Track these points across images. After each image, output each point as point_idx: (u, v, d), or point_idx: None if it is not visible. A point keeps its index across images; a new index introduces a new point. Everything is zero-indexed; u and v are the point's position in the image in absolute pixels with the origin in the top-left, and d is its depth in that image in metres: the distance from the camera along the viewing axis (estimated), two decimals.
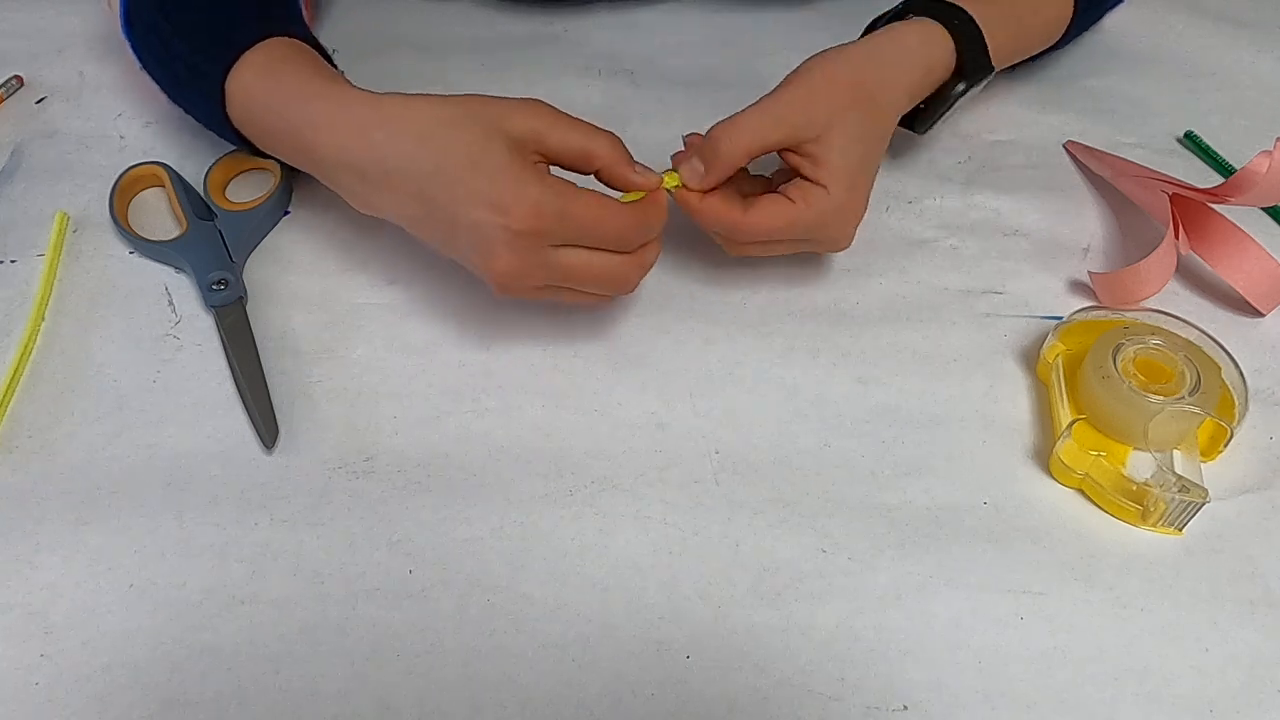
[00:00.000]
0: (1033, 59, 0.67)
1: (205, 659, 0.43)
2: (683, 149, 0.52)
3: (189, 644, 0.43)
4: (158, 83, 0.60)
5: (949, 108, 0.59)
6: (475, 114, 0.47)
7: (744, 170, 0.52)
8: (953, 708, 0.42)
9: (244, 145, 0.57)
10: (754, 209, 0.50)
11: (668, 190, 0.50)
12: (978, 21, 0.57)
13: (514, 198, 0.45)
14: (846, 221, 0.52)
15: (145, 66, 0.60)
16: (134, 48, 0.59)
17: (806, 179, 0.50)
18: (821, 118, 0.50)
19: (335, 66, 0.56)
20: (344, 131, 0.49)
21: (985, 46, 0.57)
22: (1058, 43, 0.66)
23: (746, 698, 0.42)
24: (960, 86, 0.57)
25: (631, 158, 0.49)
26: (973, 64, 0.57)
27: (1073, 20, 0.64)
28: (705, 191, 0.50)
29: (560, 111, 0.48)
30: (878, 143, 0.53)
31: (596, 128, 0.48)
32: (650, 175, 0.49)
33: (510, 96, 0.48)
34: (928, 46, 0.55)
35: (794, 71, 0.52)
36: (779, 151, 0.51)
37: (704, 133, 0.51)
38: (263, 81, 0.53)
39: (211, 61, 0.54)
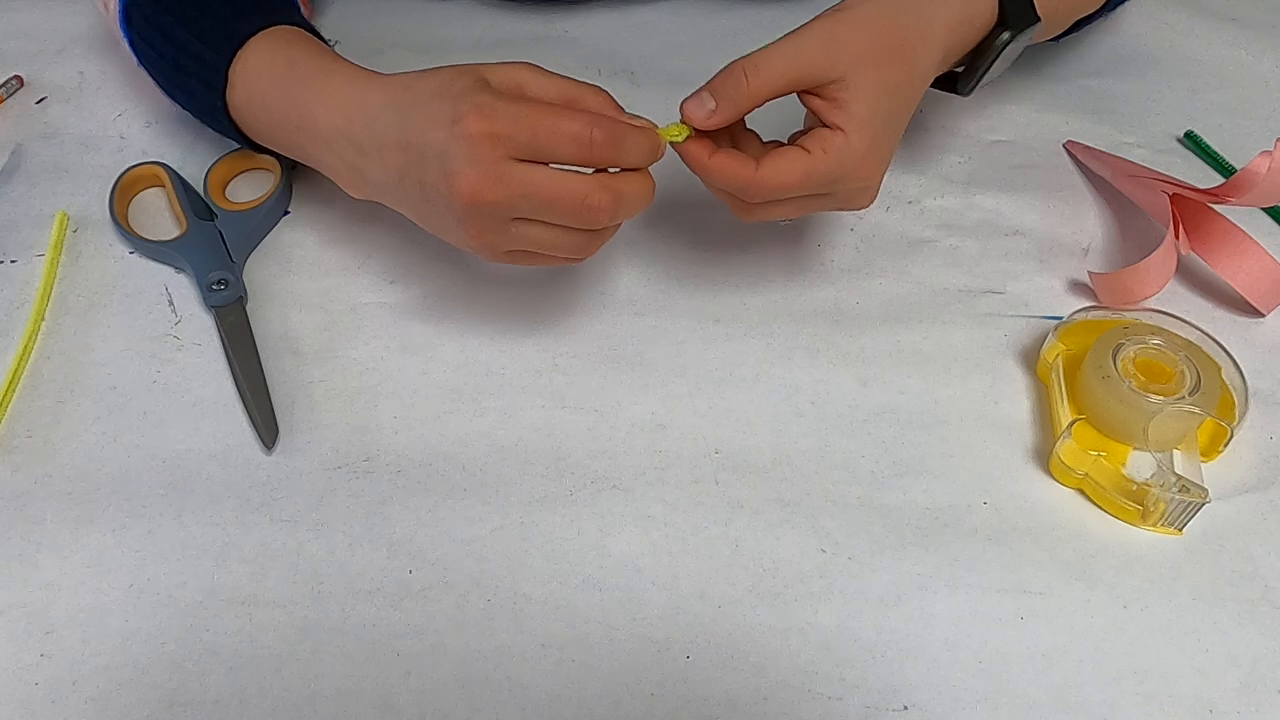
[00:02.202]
0: (1084, 24, 0.63)
1: (205, 659, 0.43)
2: (689, 96, 0.48)
3: (189, 644, 0.43)
4: (156, 77, 0.60)
5: (992, 63, 0.52)
6: (462, 69, 0.46)
7: (755, 135, 0.50)
8: (953, 708, 0.42)
9: (239, 138, 0.58)
10: (766, 163, 0.46)
11: (672, 144, 0.47)
12: None
13: (468, 106, 0.44)
14: (868, 174, 0.48)
15: (143, 62, 0.60)
16: (131, 44, 0.59)
17: (825, 125, 0.47)
18: (846, 58, 0.46)
19: (326, 41, 0.57)
20: (344, 101, 0.50)
21: None
22: (1102, 9, 0.62)
23: (746, 698, 0.42)
24: (1005, 36, 0.51)
25: (622, 109, 0.47)
26: (1016, 11, 0.51)
27: None
28: (714, 142, 0.47)
29: (548, 71, 0.47)
30: (906, 95, 0.49)
31: (584, 83, 0.47)
32: (646, 122, 0.46)
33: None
34: None
35: (822, 12, 0.48)
36: (799, 95, 0.47)
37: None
38: (268, 65, 0.53)
39: (215, 50, 0.54)
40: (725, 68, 0.47)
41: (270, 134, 0.55)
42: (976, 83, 0.54)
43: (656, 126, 0.47)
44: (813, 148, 0.46)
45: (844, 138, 0.46)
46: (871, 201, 0.50)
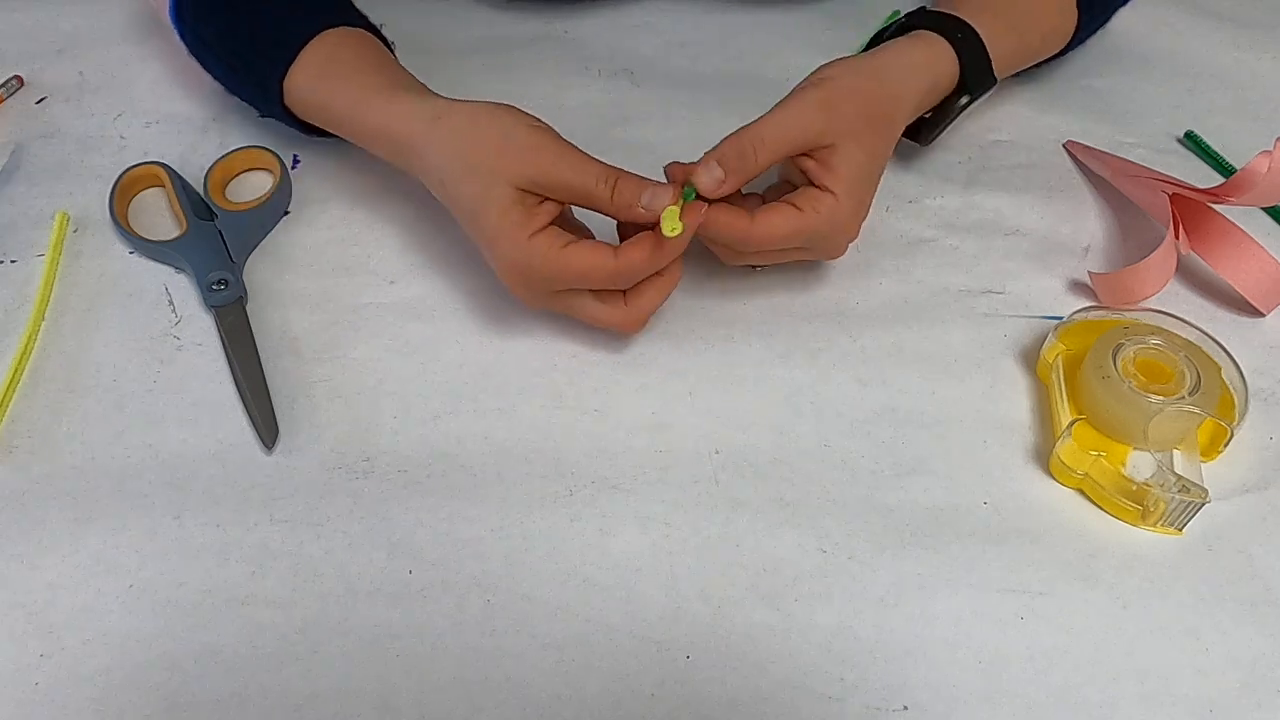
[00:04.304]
0: (1044, 63, 0.67)
1: (205, 659, 0.43)
2: (664, 183, 0.49)
3: (189, 644, 0.43)
4: (211, 70, 0.61)
5: (952, 120, 0.59)
6: (479, 165, 0.49)
7: (738, 191, 0.51)
8: (953, 708, 0.42)
9: (300, 129, 0.60)
10: (761, 218, 0.49)
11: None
12: (981, 35, 0.57)
13: (498, 254, 0.49)
14: (849, 230, 0.52)
15: (196, 54, 0.61)
16: (182, 35, 0.60)
17: (816, 186, 0.50)
18: (840, 126, 0.50)
19: (389, 44, 0.60)
20: (395, 141, 0.53)
21: (988, 60, 0.57)
22: (1062, 50, 0.66)
23: (746, 698, 0.42)
24: (964, 100, 0.58)
25: (637, 193, 0.48)
26: (975, 77, 0.57)
27: (1077, 30, 0.64)
28: (711, 202, 0.49)
29: (561, 155, 0.48)
30: (884, 156, 0.53)
31: (597, 170, 0.48)
32: (657, 201, 0.48)
33: (520, 128, 0.49)
34: (933, 62, 0.56)
35: (808, 79, 0.52)
36: (792, 159, 0.51)
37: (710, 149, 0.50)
38: (319, 83, 0.56)
39: (271, 59, 0.56)
40: (730, 139, 0.49)
41: (330, 128, 0.58)
42: (936, 136, 0.61)
43: (676, 195, 0.49)
44: (804, 207, 0.50)
45: (834, 200, 0.50)
46: (843, 254, 0.54)
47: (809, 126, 0.49)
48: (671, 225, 0.47)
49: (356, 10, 0.60)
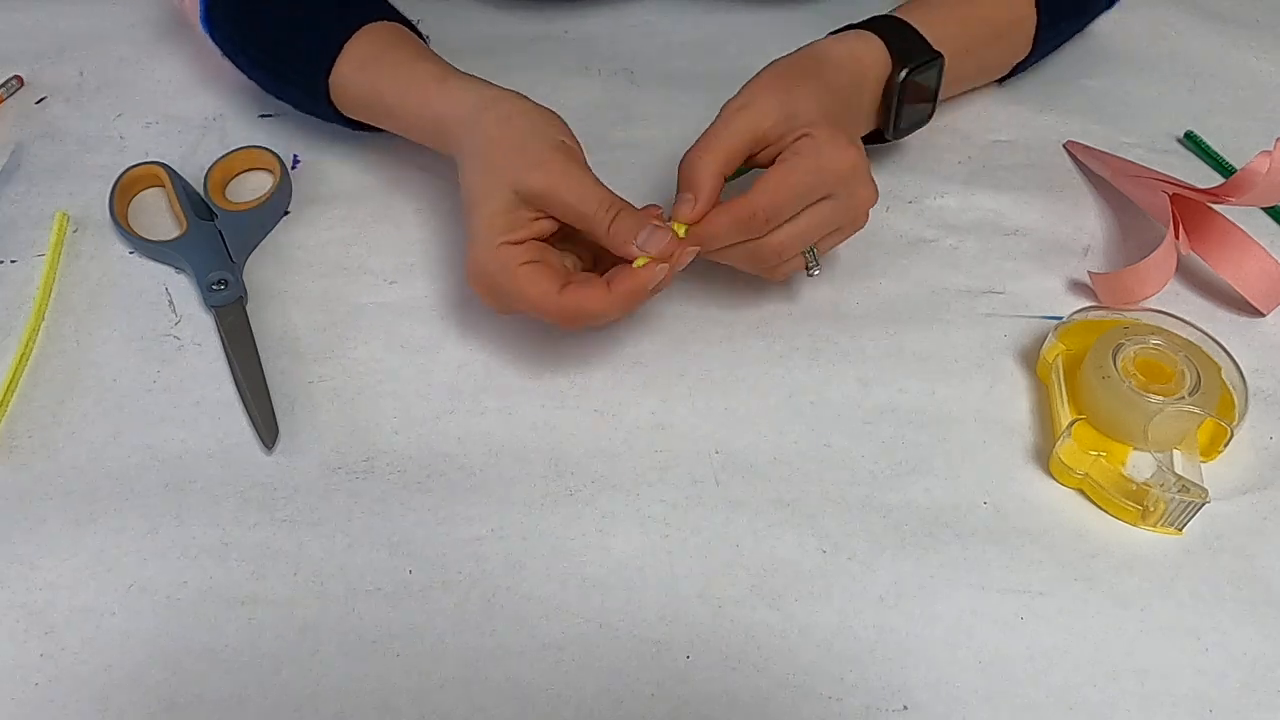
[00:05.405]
0: (1026, 64, 0.67)
1: (205, 659, 0.43)
2: (665, 225, 0.49)
3: (189, 644, 0.43)
4: (248, 71, 0.62)
5: (900, 99, 0.57)
6: (493, 162, 0.49)
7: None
8: (953, 708, 0.42)
9: (343, 124, 0.61)
10: (757, 189, 0.48)
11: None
12: (910, 23, 0.57)
13: (470, 251, 0.49)
14: (850, 158, 0.49)
15: (230, 55, 0.62)
16: (214, 38, 0.61)
17: (787, 145, 0.49)
18: (774, 99, 0.50)
19: (422, 36, 0.60)
20: (427, 129, 0.55)
21: (917, 34, 0.57)
22: (1031, 52, 0.65)
23: (746, 698, 0.42)
24: (903, 73, 0.56)
25: (635, 230, 0.47)
26: (904, 49, 0.56)
27: (1039, 28, 0.64)
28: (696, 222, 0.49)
29: (569, 175, 0.48)
30: (836, 105, 0.52)
31: (602, 196, 0.48)
32: (652, 242, 0.47)
33: (539, 134, 0.50)
34: (857, 43, 0.56)
35: (752, 84, 0.52)
36: (751, 158, 0.51)
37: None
38: (365, 74, 0.57)
39: (315, 57, 0.57)
40: (683, 165, 0.50)
41: (375, 117, 0.58)
42: (894, 121, 0.58)
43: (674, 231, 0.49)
44: (787, 157, 0.49)
45: (811, 140, 0.49)
46: (876, 198, 0.51)
47: (747, 118, 0.49)
48: (641, 259, 0.47)
49: (390, 5, 0.61)
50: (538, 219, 0.49)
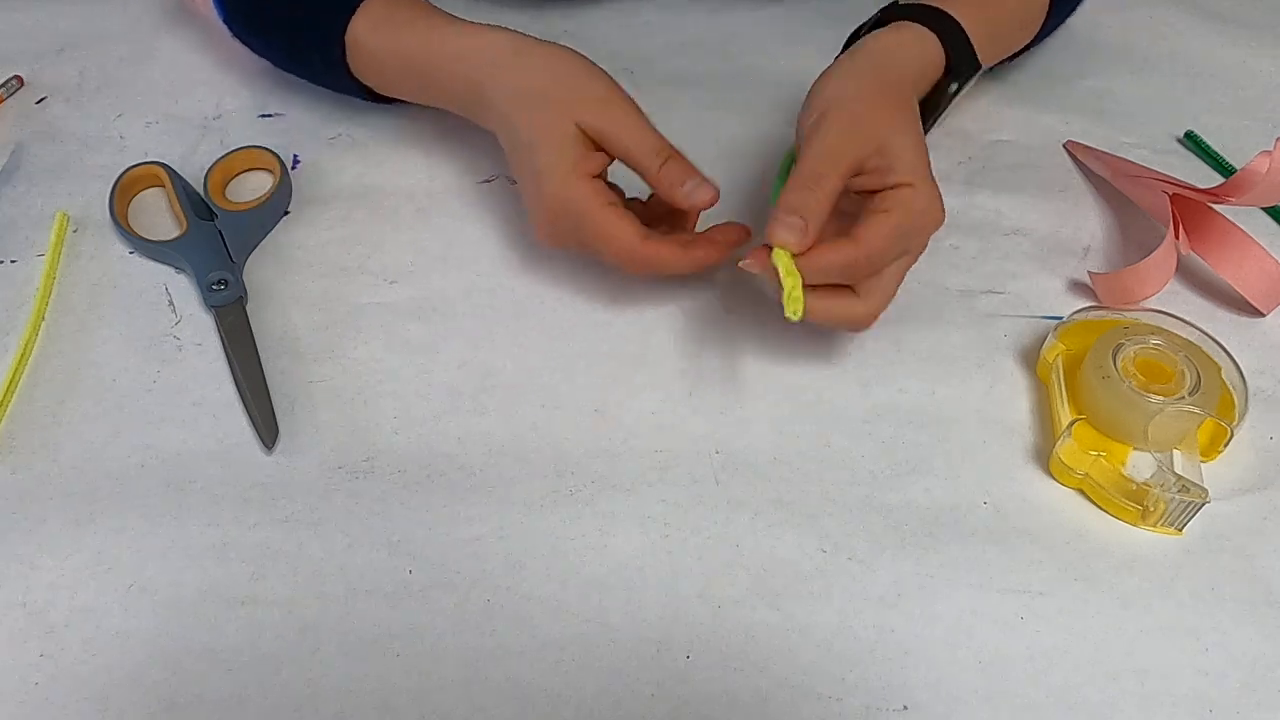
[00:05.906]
0: (1020, 54, 0.67)
1: (205, 659, 0.43)
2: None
3: (189, 644, 0.43)
4: (261, 48, 0.62)
5: (944, 110, 0.59)
6: (553, 98, 0.51)
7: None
8: (953, 708, 0.42)
9: (365, 96, 0.61)
10: (861, 234, 0.46)
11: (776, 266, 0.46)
12: (960, 22, 0.57)
13: (543, 186, 0.50)
14: (938, 214, 0.49)
15: (242, 34, 0.62)
16: (228, 22, 0.62)
17: (888, 188, 0.48)
18: (872, 129, 0.48)
19: None
20: (460, 91, 0.56)
21: (970, 45, 0.57)
22: (1030, 42, 0.66)
23: (746, 698, 0.42)
24: (954, 86, 0.58)
25: (682, 177, 0.50)
26: (961, 63, 0.57)
27: (1045, 19, 0.65)
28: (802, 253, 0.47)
29: (629, 113, 0.51)
30: (920, 132, 0.51)
31: (655, 140, 0.50)
32: (698, 194, 0.50)
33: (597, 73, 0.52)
34: (921, 47, 0.56)
35: (812, 107, 0.50)
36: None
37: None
38: (383, 30, 0.57)
39: (330, 18, 0.57)
40: (784, 201, 0.46)
41: (396, 89, 0.59)
42: (931, 126, 0.60)
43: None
44: (891, 207, 0.47)
45: (911, 189, 0.47)
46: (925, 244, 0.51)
47: (847, 148, 0.47)
48: (794, 308, 0.45)
49: None
50: (598, 151, 0.50)
